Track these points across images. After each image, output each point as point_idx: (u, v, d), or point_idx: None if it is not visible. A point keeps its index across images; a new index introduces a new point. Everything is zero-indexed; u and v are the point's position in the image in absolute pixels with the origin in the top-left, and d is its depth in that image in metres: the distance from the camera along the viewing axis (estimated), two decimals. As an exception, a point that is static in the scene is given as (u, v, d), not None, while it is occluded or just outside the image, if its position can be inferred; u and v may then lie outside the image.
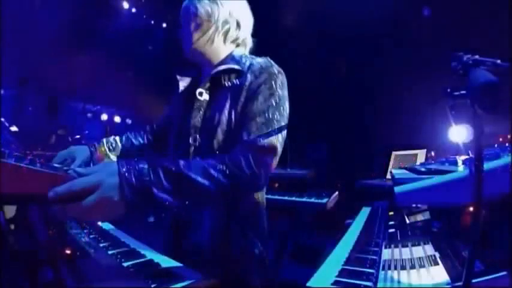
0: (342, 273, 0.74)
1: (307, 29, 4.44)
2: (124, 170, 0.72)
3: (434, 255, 0.76)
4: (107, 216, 0.70)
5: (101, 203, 0.67)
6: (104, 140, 1.24)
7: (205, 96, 1.07)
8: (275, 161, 0.96)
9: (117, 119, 7.36)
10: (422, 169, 1.03)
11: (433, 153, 2.71)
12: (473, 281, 0.48)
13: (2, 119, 3.58)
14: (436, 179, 0.70)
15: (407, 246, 0.88)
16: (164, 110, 1.35)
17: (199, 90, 1.07)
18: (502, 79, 0.51)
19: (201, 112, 1.06)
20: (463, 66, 0.57)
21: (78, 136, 5.47)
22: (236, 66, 1.06)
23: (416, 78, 3.61)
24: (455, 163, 0.98)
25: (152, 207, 0.76)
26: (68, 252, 0.77)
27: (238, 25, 1.14)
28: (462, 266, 0.62)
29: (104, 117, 7.07)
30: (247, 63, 1.07)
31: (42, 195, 0.68)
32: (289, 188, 2.94)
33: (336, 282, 0.70)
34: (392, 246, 0.90)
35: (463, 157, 1.04)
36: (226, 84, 1.06)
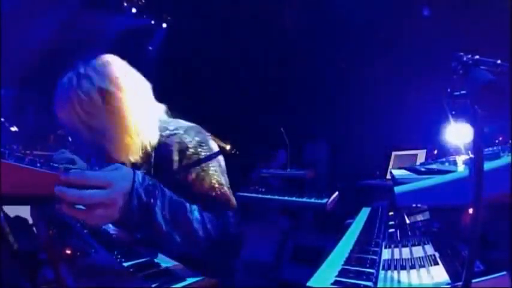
0: (342, 273, 0.74)
1: (307, 28, 4.44)
2: (138, 180, 0.72)
3: (434, 255, 0.76)
4: (103, 217, 0.69)
5: (105, 202, 0.66)
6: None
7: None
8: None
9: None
10: (423, 169, 1.03)
11: (435, 152, 2.71)
12: (473, 281, 0.48)
13: (2, 119, 3.58)
14: (436, 179, 0.70)
15: (407, 246, 0.88)
16: None
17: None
18: (502, 79, 0.51)
19: None
20: (463, 66, 0.57)
21: (78, 136, 5.46)
22: (151, 168, 1.02)
23: (416, 78, 3.61)
24: (455, 163, 0.98)
25: (144, 225, 0.75)
26: (68, 252, 0.77)
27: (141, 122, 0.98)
28: (462, 266, 0.62)
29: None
30: (164, 146, 1.01)
31: (42, 195, 0.68)
32: (289, 188, 2.94)
33: (336, 282, 0.70)
34: (392, 246, 0.90)
35: (463, 157, 1.04)
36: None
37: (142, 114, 0.98)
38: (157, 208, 0.75)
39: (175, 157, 1.00)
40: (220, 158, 1.07)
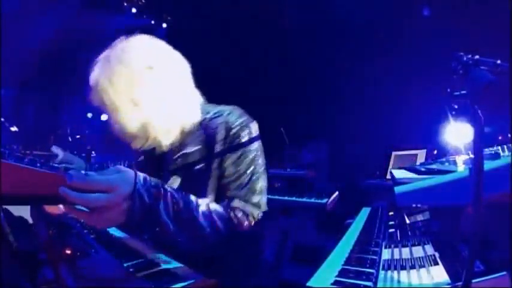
0: (342, 273, 0.74)
1: (306, 28, 4.44)
2: (140, 181, 0.72)
3: (434, 255, 0.76)
4: (108, 221, 0.69)
5: (108, 206, 0.66)
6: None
7: (177, 180, 1.02)
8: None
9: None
10: (423, 169, 1.03)
11: (435, 152, 2.71)
12: (473, 281, 0.48)
13: (2, 119, 3.57)
14: (437, 179, 0.70)
15: (407, 246, 0.88)
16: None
17: (170, 181, 1.01)
18: (502, 79, 0.51)
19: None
20: (463, 66, 0.57)
21: (78, 136, 5.47)
22: (195, 148, 1.00)
23: (416, 78, 3.61)
24: (455, 163, 0.98)
25: (150, 226, 0.75)
26: (68, 252, 0.77)
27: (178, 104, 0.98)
28: (462, 266, 0.62)
29: (104, 117, 7.06)
30: (206, 127, 1.01)
31: (42, 195, 0.68)
32: (289, 188, 2.94)
33: (336, 282, 0.70)
34: (392, 246, 0.90)
35: (463, 157, 1.04)
36: (194, 163, 1.00)
37: (182, 93, 0.99)
38: (161, 208, 0.74)
39: (219, 137, 0.99)
40: (259, 142, 1.06)
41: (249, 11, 4.44)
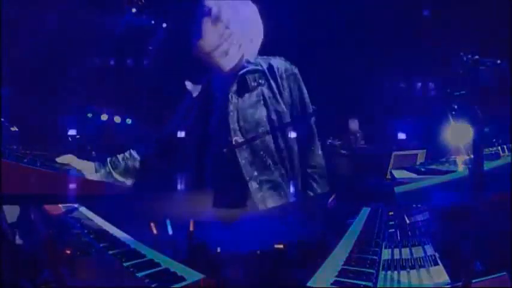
0: (342, 273, 0.74)
1: (307, 28, 4.43)
2: None
3: (434, 255, 0.76)
4: None
5: None
6: (108, 160, 1.34)
7: (235, 99, 1.18)
8: None
9: (117, 119, 7.36)
10: (422, 169, 1.03)
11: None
12: (473, 281, 0.49)
13: (2, 119, 3.57)
14: (437, 179, 0.70)
15: (407, 246, 0.88)
16: (171, 120, 1.42)
17: (230, 93, 1.18)
18: (502, 79, 0.51)
19: (235, 114, 1.16)
20: (463, 66, 0.57)
21: (78, 136, 5.46)
22: (260, 67, 1.21)
23: (416, 79, 3.61)
24: (455, 163, 0.98)
25: None
26: (68, 252, 0.77)
27: (251, 41, 1.25)
28: (462, 266, 0.62)
29: (104, 117, 7.06)
30: (266, 65, 1.23)
31: (42, 195, 0.68)
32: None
33: (336, 282, 0.70)
34: (392, 246, 0.90)
35: (463, 157, 1.04)
36: (253, 84, 1.18)
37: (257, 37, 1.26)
38: None
39: (280, 68, 1.20)
40: None
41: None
